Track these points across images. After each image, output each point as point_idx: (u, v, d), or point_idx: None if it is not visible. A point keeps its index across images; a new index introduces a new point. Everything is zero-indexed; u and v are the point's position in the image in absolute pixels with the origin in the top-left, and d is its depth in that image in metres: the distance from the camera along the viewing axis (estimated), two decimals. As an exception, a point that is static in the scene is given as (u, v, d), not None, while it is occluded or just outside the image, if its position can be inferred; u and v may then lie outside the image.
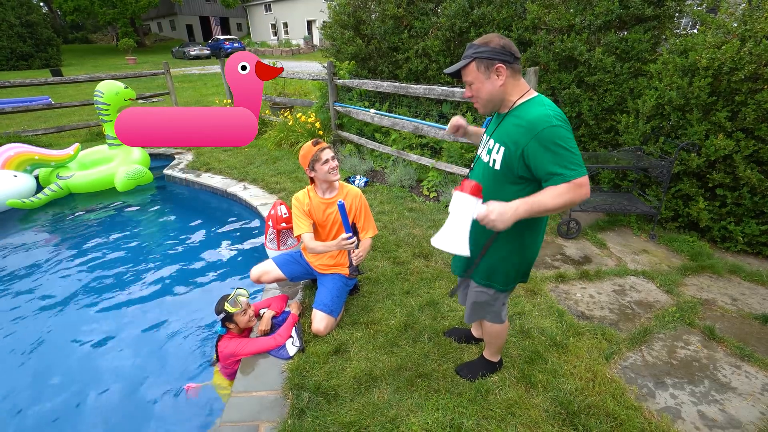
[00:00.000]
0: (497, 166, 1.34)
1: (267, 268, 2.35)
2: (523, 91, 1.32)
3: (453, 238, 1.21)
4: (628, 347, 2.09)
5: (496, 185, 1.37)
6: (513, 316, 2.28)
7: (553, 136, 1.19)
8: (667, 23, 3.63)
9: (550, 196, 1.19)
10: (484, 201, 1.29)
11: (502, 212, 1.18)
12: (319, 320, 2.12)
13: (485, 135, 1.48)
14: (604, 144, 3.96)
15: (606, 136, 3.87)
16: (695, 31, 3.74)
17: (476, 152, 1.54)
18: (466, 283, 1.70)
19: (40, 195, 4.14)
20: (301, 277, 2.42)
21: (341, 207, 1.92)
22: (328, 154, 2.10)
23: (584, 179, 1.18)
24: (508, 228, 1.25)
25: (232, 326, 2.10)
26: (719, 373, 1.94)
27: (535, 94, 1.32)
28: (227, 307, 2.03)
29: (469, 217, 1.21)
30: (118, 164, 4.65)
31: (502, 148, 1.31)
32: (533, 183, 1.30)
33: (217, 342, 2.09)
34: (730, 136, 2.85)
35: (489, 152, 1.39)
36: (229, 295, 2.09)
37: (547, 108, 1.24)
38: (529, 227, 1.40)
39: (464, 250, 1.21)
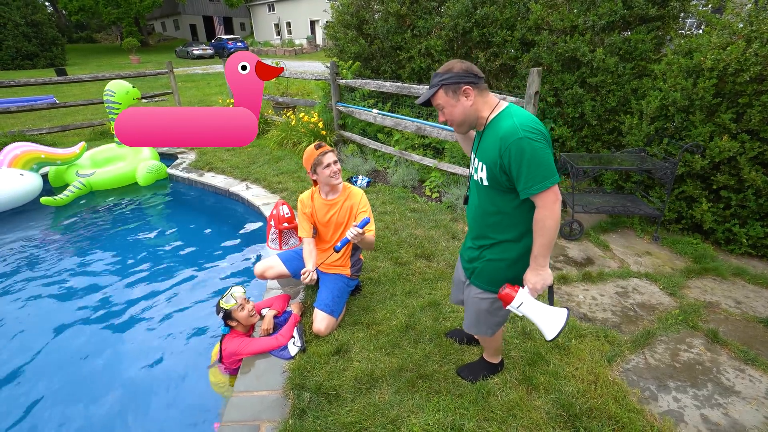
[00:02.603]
0: (485, 183, 1.40)
1: (271, 264, 2.36)
2: (493, 106, 1.36)
3: (550, 320, 1.33)
4: (631, 350, 2.08)
5: (493, 199, 1.41)
6: (514, 317, 2.27)
7: (520, 149, 1.21)
8: (672, 24, 3.61)
9: (541, 231, 1.29)
10: (486, 215, 1.44)
11: (536, 279, 1.35)
12: (320, 320, 2.12)
13: (473, 153, 1.51)
14: (607, 145, 3.94)
15: (609, 137, 3.85)
16: (700, 31, 3.72)
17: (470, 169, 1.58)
18: (466, 288, 1.69)
19: (67, 192, 4.24)
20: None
21: (340, 245, 1.96)
22: (329, 158, 2.11)
23: (553, 189, 1.24)
24: (513, 233, 1.41)
25: (234, 324, 2.10)
26: (723, 376, 1.93)
27: (505, 105, 1.35)
28: (222, 303, 2.03)
29: (534, 305, 1.35)
30: (132, 161, 4.76)
31: (485, 166, 1.37)
32: None
33: (221, 341, 2.09)
34: (735, 138, 2.83)
35: (476, 170, 1.45)
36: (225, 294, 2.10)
37: (514, 119, 1.25)
38: (527, 235, 1.40)
39: (562, 316, 1.33)
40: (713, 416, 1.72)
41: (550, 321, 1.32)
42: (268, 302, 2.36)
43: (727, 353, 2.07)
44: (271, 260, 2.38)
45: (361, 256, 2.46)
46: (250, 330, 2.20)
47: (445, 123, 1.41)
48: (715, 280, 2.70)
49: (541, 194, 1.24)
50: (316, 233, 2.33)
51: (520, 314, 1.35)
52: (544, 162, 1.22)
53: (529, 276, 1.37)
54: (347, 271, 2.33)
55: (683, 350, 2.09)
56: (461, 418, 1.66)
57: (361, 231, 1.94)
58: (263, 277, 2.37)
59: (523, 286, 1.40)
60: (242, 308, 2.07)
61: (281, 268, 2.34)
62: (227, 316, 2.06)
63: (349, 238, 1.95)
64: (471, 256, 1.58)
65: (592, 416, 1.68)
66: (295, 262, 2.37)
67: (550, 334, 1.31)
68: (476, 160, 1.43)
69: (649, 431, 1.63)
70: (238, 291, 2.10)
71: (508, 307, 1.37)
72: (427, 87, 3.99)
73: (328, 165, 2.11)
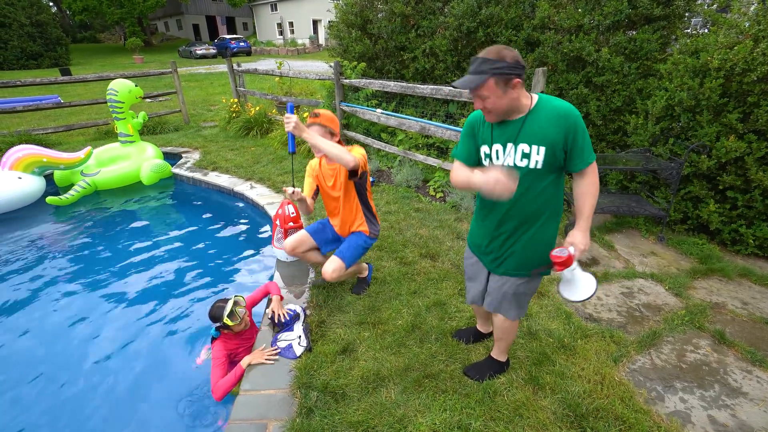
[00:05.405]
0: (539, 166, 1.38)
1: (302, 239, 2.40)
2: (529, 94, 1.38)
3: (588, 280, 1.44)
4: (637, 350, 2.07)
5: (537, 183, 1.42)
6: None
7: (581, 124, 1.34)
8: (677, 23, 3.60)
9: (594, 193, 1.43)
10: (531, 201, 1.45)
11: (587, 240, 1.42)
12: (330, 262, 2.22)
13: (498, 144, 1.43)
14: (612, 145, 3.93)
15: (614, 137, 3.84)
16: (706, 30, 3.70)
17: (491, 163, 1.48)
18: (494, 282, 1.67)
19: (72, 192, 4.28)
20: (330, 242, 2.47)
21: (291, 148, 1.98)
22: (313, 131, 2.03)
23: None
24: (552, 213, 1.49)
25: (226, 331, 2.06)
26: (730, 377, 1.92)
27: (534, 94, 1.40)
28: (227, 321, 1.97)
29: (579, 271, 1.45)
30: (137, 160, 4.80)
31: (542, 148, 1.35)
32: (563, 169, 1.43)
33: (211, 344, 2.07)
34: (742, 138, 2.82)
35: (525, 156, 1.38)
36: (225, 299, 2.03)
37: (561, 100, 1.36)
38: (559, 211, 1.51)
39: (593, 279, 1.44)
40: (720, 417, 1.72)
41: (588, 281, 1.43)
42: (257, 295, 2.30)
43: (734, 354, 2.06)
44: (301, 235, 2.41)
45: (378, 221, 2.45)
46: (239, 333, 2.12)
47: (481, 109, 1.37)
48: (721, 281, 2.69)
49: (593, 163, 1.39)
50: (317, 195, 2.36)
51: (568, 277, 1.43)
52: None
53: (581, 237, 1.42)
54: (366, 229, 2.35)
55: (689, 351, 2.09)
56: (468, 417, 1.66)
57: (289, 115, 1.82)
58: (294, 252, 2.39)
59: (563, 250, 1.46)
60: (241, 321, 2.03)
61: (311, 242, 2.40)
62: (223, 326, 2.01)
63: (287, 129, 1.86)
64: (499, 248, 1.57)
65: (598, 416, 1.68)
66: (320, 234, 2.44)
67: (589, 291, 1.42)
68: (524, 145, 1.37)
69: (656, 432, 1.63)
70: (240, 305, 2.05)
71: (564, 271, 1.42)
72: (432, 86, 3.95)
73: None
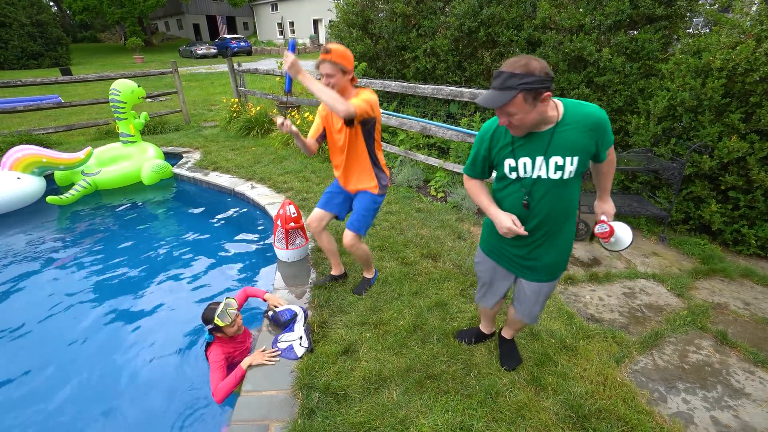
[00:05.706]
0: (573, 175, 1.37)
1: (318, 214, 2.36)
2: (554, 103, 1.32)
3: (625, 229, 1.57)
4: (639, 351, 2.07)
5: (566, 190, 1.42)
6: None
7: (608, 122, 1.36)
8: (679, 23, 3.60)
9: (613, 168, 1.53)
10: (562, 208, 1.46)
11: (613, 208, 1.59)
12: (345, 236, 2.28)
13: (525, 158, 1.38)
14: (614, 145, 3.92)
15: (615, 137, 3.83)
16: (708, 30, 3.70)
17: (515, 178, 1.44)
18: (524, 288, 1.67)
19: (72, 191, 4.27)
20: (343, 205, 2.39)
21: (287, 87, 1.93)
22: (324, 68, 1.92)
23: None
24: (573, 212, 1.52)
25: (219, 334, 2.05)
26: (732, 378, 1.92)
27: (558, 100, 1.34)
28: (218, 321, 1.95)
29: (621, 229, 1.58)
30: (137, 160, 4.80)
31: (576, 158, 1.33)
32: None
33: (206, 349, 2.06)
34: (744, 138, 2.81)
35: (559, 168, 1.34)
36: (218, 303, 2.01)
37: (585, 103, 1.35)
38: (577, 206, 1.53)
39: (624, 224, 1.58)
40: (723, 418, 1.72)
41: (625, 230, 1.56)
42: (240, 300, 2.29)
43: (736, 355, 2.06)
44: (315, 213, 2.36)
45: (387, 172, 2.37)
46: (233, 337, 2.10)
47: (506, 124, 1.30)
48: (723, 281, 2.69)
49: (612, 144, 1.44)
50: (324, 139, 2.28)
51: (612, 240, 1.56)
52: None
53: (608, 207, 1.58)
54: (373, 185, 2.28)
55: (692, 351, 2.08)
56: (470, 418, 1.66)
57: (288, 53, 1.77)
58: (315, 231, 2.38)
59: (595, 224, 1.59)
60: (233, 323, 2.02)
61: (328, 215, 2.37)
62: (216, 328, 2.00)
63: (284, 68, 1.82)
64: (534, 258, 1.56)
65: (601, 417, 1.67)
66: (331, 203, 2.37)
67: (629, 239, 1.56)
68: (557, 158, 1.34)
69: (658, 433, 1.62)
70: (232, 307, 2.03)
71: (612, 239, 1.55)
72: (433, 86, 3.94)
73: (322, 76, 1.98)
